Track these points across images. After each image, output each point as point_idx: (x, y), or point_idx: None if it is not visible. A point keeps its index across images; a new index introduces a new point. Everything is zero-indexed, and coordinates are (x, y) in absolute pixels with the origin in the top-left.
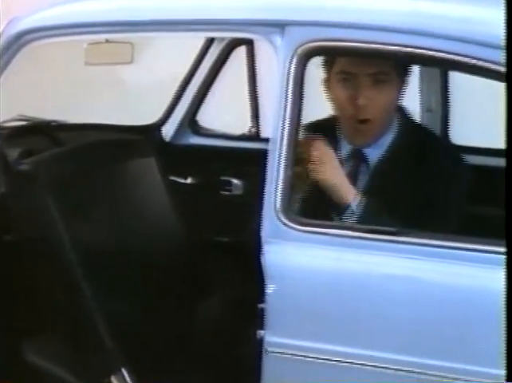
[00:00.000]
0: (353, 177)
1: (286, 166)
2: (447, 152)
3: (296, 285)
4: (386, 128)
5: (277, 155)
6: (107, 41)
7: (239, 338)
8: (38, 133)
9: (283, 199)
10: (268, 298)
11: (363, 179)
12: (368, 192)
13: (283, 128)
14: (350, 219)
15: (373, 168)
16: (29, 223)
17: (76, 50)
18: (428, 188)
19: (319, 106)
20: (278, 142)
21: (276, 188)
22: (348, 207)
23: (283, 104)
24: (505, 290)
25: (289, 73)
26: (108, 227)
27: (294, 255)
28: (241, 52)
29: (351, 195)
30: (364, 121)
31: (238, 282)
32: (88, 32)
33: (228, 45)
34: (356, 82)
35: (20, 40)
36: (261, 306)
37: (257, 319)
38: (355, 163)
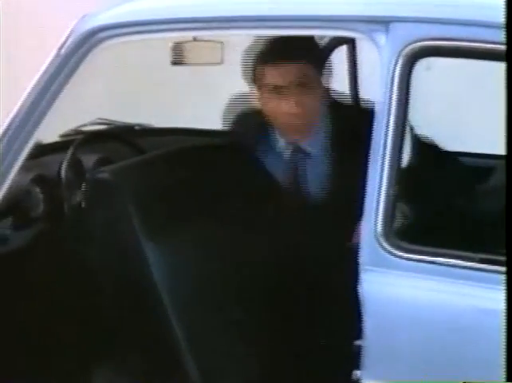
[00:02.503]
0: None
1: (389, 181)
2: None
3: (398, 320)
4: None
5: (378, 168)
6: (195, 39)
7: (333, 379)
8: (118, 138)
9: (385, 221)
10: (365, 335)
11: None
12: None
13: (386, 138)
14: None
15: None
16: (106, 240)
17: (161, 49)
18: None
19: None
20: (380, 153)
21: (377, 208)
22: None
23: (386, 111)
24: None
25: (393, 76)
26: (201, 243)
27: (396, 286)
28: (342, 52)
29: None
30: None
31: (332, 314)
32: (173, 29)
33: (328, 44)
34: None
35: (92, 38)
36: (357, 342)
37: (353, 358)
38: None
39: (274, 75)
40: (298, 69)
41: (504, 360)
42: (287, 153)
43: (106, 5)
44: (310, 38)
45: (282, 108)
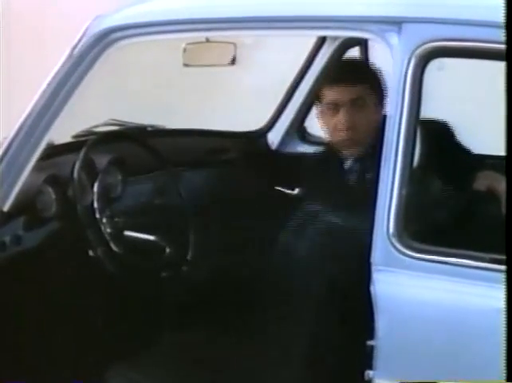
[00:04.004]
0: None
1: (402, 182)
2: None
3: (410, 320)
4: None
5: (390, 168)
6: (207, 40)
7: (345, 379)
8: (131, 139)
9: (397, 222)
10: (377, 335)
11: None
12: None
13: (398, 138)
14: None
15: None
16: None
17: (173, 50)
18: None
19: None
20: (393, 154)
21: (389, 209)
22: None
23: (399, 111)
24: None
25: (406, 77)
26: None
27: (408, 286)
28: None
29: None
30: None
31: (344, 315)
32: (185, 30)
33: (341, 45)
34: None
35: (105, 39)
36: (369, 342)
37: (365, 358)
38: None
39: (332, 94)
40: (353, 90)
41: (504, 360)
42: (353, 166)
43: (116, 6)
44: (366, 62)
45: (335, 123)
